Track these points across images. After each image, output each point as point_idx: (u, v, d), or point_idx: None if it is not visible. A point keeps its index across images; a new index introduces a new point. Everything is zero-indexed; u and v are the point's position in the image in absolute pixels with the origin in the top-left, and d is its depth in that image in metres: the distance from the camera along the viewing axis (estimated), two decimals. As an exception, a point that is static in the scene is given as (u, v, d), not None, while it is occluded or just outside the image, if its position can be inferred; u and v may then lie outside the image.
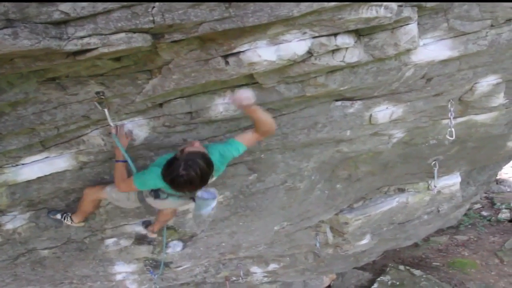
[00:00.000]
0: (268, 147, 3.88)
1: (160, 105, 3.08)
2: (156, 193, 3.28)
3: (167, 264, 5.07)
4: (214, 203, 3.28)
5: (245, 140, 3.07)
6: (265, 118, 2.94)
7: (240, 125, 3.45)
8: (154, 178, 2.99)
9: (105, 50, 2.24)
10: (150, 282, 5.39)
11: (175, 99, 3.05)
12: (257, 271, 6.59)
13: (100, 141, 3.19)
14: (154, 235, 4.39)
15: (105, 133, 3.14)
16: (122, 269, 4.96)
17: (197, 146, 2.92)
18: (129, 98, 2.86)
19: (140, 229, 4.39)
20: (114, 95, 2.78)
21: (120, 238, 4.43)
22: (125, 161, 3.16)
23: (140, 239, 4.53)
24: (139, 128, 3.18)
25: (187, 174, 2.71)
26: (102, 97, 2.73)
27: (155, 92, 2.83)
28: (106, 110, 2.84)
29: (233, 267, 6.16)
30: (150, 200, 3.37)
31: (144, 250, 4.68)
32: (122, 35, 2.23)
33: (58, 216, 3.87)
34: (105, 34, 2.19)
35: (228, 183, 4.19)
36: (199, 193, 3.15)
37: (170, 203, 3.43)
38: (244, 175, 4.18)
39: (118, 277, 5.09)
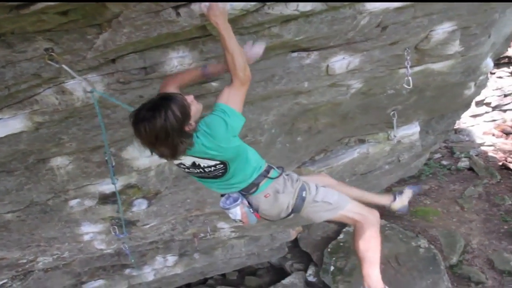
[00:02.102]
0: (226, 101, 3.87)
1: (113, 61, 3.00)
2: None
3: (133, 223, 5.07)
4: (232, 215, 3.05)
5: (223, 98, 2.64)
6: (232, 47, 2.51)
7: (197, 80, 3.39)
8: None
9: (51, 2, 2.15)
10: (118, 242, 5.39)
11: (127, 54, 2.98)
12: (224, 227, 6.66)
13: (54, 100, 3.11)
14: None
15: (58, 91, 3.06)
16: (89, 230, 4.95)
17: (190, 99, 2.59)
18: (80, 54, 2.77)
19: (104, 189, 4.35)
20: (64, 51, 2.69)
21: (84, 198, 4.40)
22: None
23: (104, 199, 4.51)
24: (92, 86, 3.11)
25: (142, 118, 2.41)
26: (51, 53, 2.64)
27: (106, 47, 2.75)
28: (64, 66, 2.71)
29: (200, 224, 6.21)
30: None
31: (109, 210, 4.67)
32: (68, -14, 2.15)
33: None
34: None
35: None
36: (222, 199, 3.03)
37: None
38: (204, 132, 4.18)
39: (86, 237, 5.07)
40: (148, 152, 3.52)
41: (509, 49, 12.80)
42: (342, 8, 3.14)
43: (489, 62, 5.59)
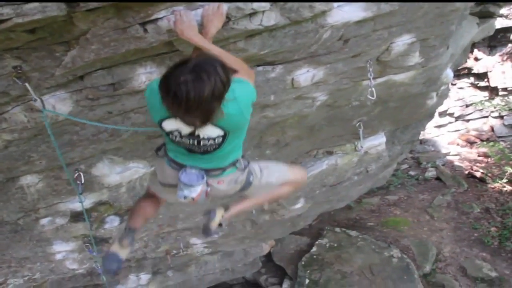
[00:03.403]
0: (194, 116, 3.92)
1: (81, 77, 3.03)
2: (158, 147, 2.97)
3: (106, 240, 5.05)
4: (188, 192, 2.77)
5: (237, 75, 2.49)
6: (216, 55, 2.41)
7: (165, 95, 3.45)
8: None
9: (20, 20, 2.19)
10: (90, 261, 5.35)
11: (96, 70, 3.01)
12: (197, 242, 6.67)
13: (23, 117, 3.12)
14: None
15: (27, 109, 3.08)
16: (61, 248, 4.91)
17: None
18: (48, 71, 2.80)
19: (75, 207, 4.34)
20: (32, 69, 2.72)
21: (55, 216, 4.37)
22: None
23: (76, 217, 4.49)
24: (61, 103, 3.13)
25: (184, 81, 2.06)
26: (19, 71, 2.66)
27: (74, 64, 2.78)
28: (27, 84, 2.75)
29: (172, 240, 6.20)
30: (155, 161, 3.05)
31: (81, 227, 4.65)
32: (36, 4, 2.18)
33: None
34: (18, 4, 2.14)
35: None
36: (183, 171, 2.75)
37: (161, 168, 2.98)
38: (174, 146, 4.22)
39: (58, 256, 5.03)
40: (118, 168, 3.56)
41: (468, 60, 13.25)
42: (304, 22, 3.25)
43: (449, 73, 5.80)
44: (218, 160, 2.77)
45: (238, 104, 2.40)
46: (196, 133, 2.46)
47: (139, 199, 3.68)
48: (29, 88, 2.78)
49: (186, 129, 2.45)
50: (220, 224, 3.33)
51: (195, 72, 2.08)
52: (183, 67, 2.11)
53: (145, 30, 2.68)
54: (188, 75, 2.08)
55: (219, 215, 3.34)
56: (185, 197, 2.81)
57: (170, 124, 2.46)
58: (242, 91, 2.44)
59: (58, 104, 3.13)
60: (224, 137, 2.53)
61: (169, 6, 2.59)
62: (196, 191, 2.78)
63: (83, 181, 3.86)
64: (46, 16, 2.25)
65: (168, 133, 2.55)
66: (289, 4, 3.01)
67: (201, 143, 2.54)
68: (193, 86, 2.07)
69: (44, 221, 4.36)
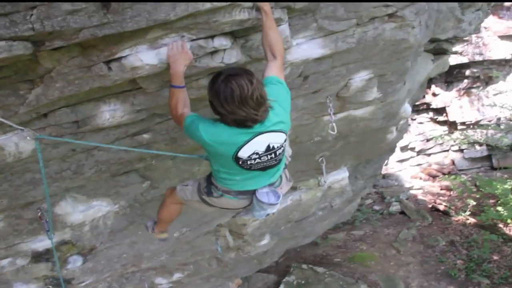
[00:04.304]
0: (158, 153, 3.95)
1: (45, 115, 3.05)
2: (208, 189, 3.12)
3: (68, 281, 4.92)
4: (271, 210, 3.05)
5: (273, 71, 2.87)
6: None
7: (129, 132, 3.50)
8: (206, 120, 2.71)
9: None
10: (52, 304, 5.20)
11: (59, 108, 3.04)
12: (162, 282, 6.55)
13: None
14: (165, 235, 4.12)
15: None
16: (22, 290, 4.76)
17: None
18: (12, 109, 2.81)
19: (36, 247, 4.24)
20: (-5, 107, 2.74)
21: (16, 257, 4.25)
22: (183, 87, 2.83)
23: (37, 257, 4.38)
24: (24, 141, 3.11)
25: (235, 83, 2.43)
26: (-18, 109, 2.67)
27: (38, 102, 2.81)
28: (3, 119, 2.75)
29: (137, 281, 6.08)
30: (206, 199, 3.20)
31: (42, 268, 4.52)
32: (3, 43, 2.23)
33: (149, 224, 3.95)
34: (-15, 43, 2.19)
35: (121, 192, 4.20)
36: (259, 193, 2.97)
37: (225, 203, 3.14)
38: (137, 183, 4.22)
39: (19, 299, 4.86)
40: (81, 206, 3.54)
41: (426, 95, 13.73)
42: (264, 60, 3.36)
43: (407, 108, 6.01)
44: (280, 167, 3.02)
45: (281, 105, 2.73)
46: (271, 146, 2.72)
47: (165, 205, 3.79)
48: (8, 122, 2.78)
49: (262, 147, 2.71)
50: None
51: (229, 70, 2.53)
52: (215, 77, 2.52)
53: (109, 68, 2.74)
54: (228, 72, 2.49)
55: None
56: (267, 215, 3.12)
57: (247, 150, 2.69)
58: (284, 96, 2.81)
59: (21, 142, 3.11)
60: (285, 140, 2.84)
61: (133, 45, 2.67)
62: (277, 206, 3.06)
63: (47, 219, 3.81)
64: (12, 55, 2.29)
65: (244, 162, 2.75)
66: (250, 42, 3.14)
67: (277, 152, 2.79)
68: (239, 78, 2.44)
69: (4, 262, 4.24)
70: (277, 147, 2.78)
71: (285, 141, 2.84)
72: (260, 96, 2.48)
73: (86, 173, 3.77)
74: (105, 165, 3.76)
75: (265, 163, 2.82)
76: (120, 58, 2.71)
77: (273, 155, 2.79)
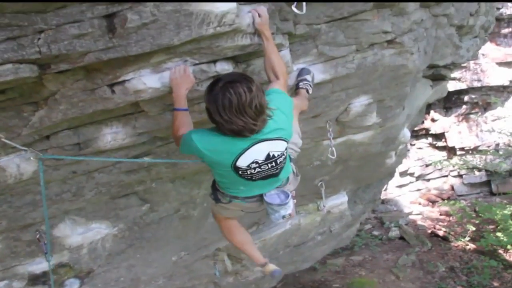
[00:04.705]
0: (158, 176, 3.96)
1: (47, 137, 3.07)
2: (215, 196, 3.12)
3: (64, 305, 4.88)
4: (284, 211, 2.99)
5: (275, 86, 2.86)
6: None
7: (130, 154, 3.51)
8: (201, 129, 2.68)
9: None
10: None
11: (62, 130, 3.06)
12: (160, 307, 6.49)
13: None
14: (271, 268, 3.74)
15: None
16: (17, 314, 4.70)
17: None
18: (15, 131, 2.83)
19: (34, 269, 4.21)
20: (-2, 128, 2.76)
21: (12, 280, 4.19)
22: (186, 110, 2.84)
23: (34, 280, 4.33)
24: (26, 162, 3.13)
25: (233, 91, 2.34)
26: (-15, 131, 2.69)
27: (42, 124, 2.83)
28: (3, 138, 2.76)
29: (133, 306, 6.04)
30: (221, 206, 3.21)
31: (39, 292, 4.49)
32: (9, 66, 2.27)
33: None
34: (-8, 66, 2.23)
35: (121, 215, 4.19)
36: (267, 196, 2.95)
37: (238, 206, 3.13)
38: (137, 206, 4.21)
39: (14, 323, 4.80)
40: (80, 229, 3.52)
41: (425, 121, 13.80)
42: (265, 84, 3.35)
43: (406, 132, 6.05)
44: (284, 172, 2.95)
45: (283, 112, 2.66)
46: (271, 154, 2.67)
47: (221, 229, 3.76)
48: (8, 142, 2.79)
49: (261, 155, 2.66)
50: None
51: (230, 77, 2.46)
52: (215, 81, 2.45)
53: (113, 91, 2.78)
54: (227, 79, 2.43)
55: None
56: (283, 217, 3.04)
57: (246, 158, 2.63)
58: (285, 103, 2.75)
59: (23, 163, 3.12)
60: (286, 148, 2.79)
61: (137, 68, 2.71)
62: (290, 206, 3.02)
63: (46, 241, 3.79)
64: (18, 77, 2.33)
65: (244, 171, 2.71)
66: (251, 67, 3.19)
67: (278, 161, 2.74)
68: (238, 85, 2.36)
69: (0, 284, 4.21)
70: (278, 155, 2.72)
71: (286, 149, 2.79)
72: (259, 104, 2.40)
73: (86, 195, 3.77)
74: (105, 187, 3.77)
75: (266, 172, 2.77)
76: (124, 81, 2.75)
77: (273, 164, 2.74)
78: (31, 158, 3.11)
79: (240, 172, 2.71)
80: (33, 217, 3.70)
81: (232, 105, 2.35)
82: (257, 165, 2.69)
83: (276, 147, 2.69)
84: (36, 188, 3.43)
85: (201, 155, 2.66)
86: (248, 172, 2.72)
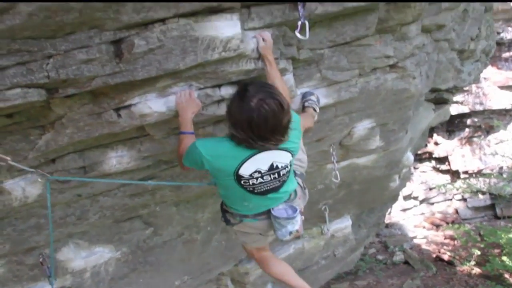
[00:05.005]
0: (163, 199, 3.97)
1: (53, 160, 3.09)
2: (225, 218, 3.10)
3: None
4: (291, 226, 2.95)
5: None
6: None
7: (134, 178, 3.53)
8: (211, 140, 2.69)
9: (1, 105, 2.30)
10: None
11: (67, 154, 3.08)
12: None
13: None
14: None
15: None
16: None
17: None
18: (22, 154, 2.85)
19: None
20: (5, 152, 2.75)
21: (15, 304, 4.19)
22: (192, 133, 2.84)
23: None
24: (31, 185, 3.14)
25: (264, 104, 2.33)
26: (-5, 154, 2.71)
27: (48, 148, 2.86)
28: (12, 162, 2.74)
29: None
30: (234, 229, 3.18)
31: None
32: (18, 90, 2.31)
33: None
34: (1, 90, 2.26)
35: (124, 238, 4.19)
36: (275, 210, 2.91)
37: (249, 226, 3.11)
38: (141, 229, 4.21)
39: None
40: (83, 252, 3.50)
41: (428, 144, 13.80)
42: (269, 108, 3.44)
43: (409, 156, 6.07)
44: (288, 185, 2.92)
45: (294, 130, 2.64)
46: (275, 165, 2.66)
47: (258, 263, 3.67)
48: (16, 165, 2.77)
49: (265, 165, 2.65)
50: None
51: (263, 92, 2.38)
52: (247, 93, 2.39)
53: (119, 115, 2.82)
54: (260, 95, 2.36)
55: None
56: (290, 233, 2.99)
57: (249, 167, 2.63)
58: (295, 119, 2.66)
59: (28, 186, 3.14)
60: (291, 161, 2.77)
61: (143, 93, 2.75)
62: (298, 221, 2.99)
63: (49, 265, 3.78)
64: (27, 102, 2.37)
65: (246, 181, 2.68)
66: (256, 92, 3.21)
67: (281, 173, 2.73)
68: (273, 103, 2.34)
69: (3, 309, 4.19)
70: (281, 166, 2.72)
71: (290, 162, 2.79)
72: (288, 121, 2.45)
73: (90, 219, 3.77)
74: (109, 210, 3.77)
75: (268, 184, 2.76)
76: (130, 105, 2.79)
77: (276, 175, 2.73)
78: (39, 179, 3.13)
79: (242, 182, 2.70)
80: (37, 240, 3.70)
81: (267, 124, 2.37)
82: (259, 174, 2.67)
83: (280, 158, 2.69)
84: (40, 211, 3.44)
85: (204, 161, 2.62)
86: (250, 183, 2.70)
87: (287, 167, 2.78)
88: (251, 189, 2.75)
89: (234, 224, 3.14)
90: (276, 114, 2.36)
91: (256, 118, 2.35)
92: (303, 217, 3.17)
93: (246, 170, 2.64)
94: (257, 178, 2.69)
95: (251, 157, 2.58)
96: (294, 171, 3.15)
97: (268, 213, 3.00)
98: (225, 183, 2.80)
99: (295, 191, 3.11)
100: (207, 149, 2.61)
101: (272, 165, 2.68)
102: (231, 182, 2.71)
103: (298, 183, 3.22)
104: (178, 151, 2.88)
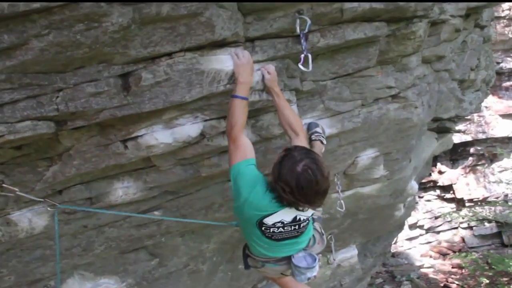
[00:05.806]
0: (168, 230, 3.97)
1: (60, 192, 3.11)
2: (246, 263, 3.17)
3: None
4: (310, 273, 3.00)
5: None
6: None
7: (140, 208, 3.55)
8: (253, 178, 2.67)
9: (11, 137, 2.35)
10: None
11: (74, 185, 3.11)
12: None
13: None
14: None
15: (3, 223, 3.11)
16: None
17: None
18: (29, 186, 2.88)
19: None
20: (13, 183, 2.79)
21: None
22: (246, 99, 2.73)
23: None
24: (38, 216, 3.16)
25: (313, 165, 2.38)
26: (2, 186, 2.74)
27: (55, 179, 2.89)
28: (17, 192, 2.77)
29: None
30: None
31: None
32: (28, 122, 2.37)
33: None
34: (11, 123, 2.32)
35: (130, 270, 4.17)
36: (295, 258, 2.96)
37: (270, 270, 3.15)
38: (146, 260, 4.19)
39: None
40: (88, 284, 3.49)
41: (432, 173, 13.79)
42: (273, 139, 3.49)
43: (414, 185, 6.07)
44: (304, 235, 2.95)
45: None
46: (298, 217, 2.70)
47: None
48: (22, 194, 2.80)
49: (289, 217, 2.68)
50: None
51: (309, 158, 2.43)
52: (293, 158, 2.42)
53: (126, 147, 2.86)
54: (306, 161, 2.40)
55: None
56: (309, 279, 3.06)
57: (274, 217, 2.65)
58: None
59: (35, 218, 3.15)
60: (312, 214, 2.83)
61: (149, 124, 2.80)
62: (316, 269, 3.03)
63: (58, 292, 3.77)
64: (36, 134, 2.42)
65: (267, 228, 2.71)
66: (260, 122, 3.28)
67: (301, 225, 2.77)
68: (316, 169, 2.39)
69: None
70: (303, 219, 2.76)
71: (312, 215, 2.85)
72: (326, 189, 2.48)
73: (95, 250, 3.77)
74: (115, 242, 3.78)
75: (286, 234, 2.78)
76: (137, 137, 2.84)
77: (296, 227, 2.77)
78: (48, 208, 3.14)
79: (263, 228, 2.72)
80: (42, 272, 3.69)
81: (311, 188, 2.40)
82: (281, 225, 2.71)
83: (304, 212, 2.72)
84: (46, 243, 3.45)
85: (237, 199, 2.67)
86: (271, 230, 2.72)
87: (308, 220, 2.83)
88: (269, 235, 2.78)
89: (257, 267, 3.18)
90: (319, 182, 2.40)
91: (302, 182, 2.38)
92: (320, 262, 3.20)
93: (271, 220, 2.67)
94: (278, 227, 2.72)
95: (279, 210, 2.61)
96: (312, 217, 3.16)
97: (288, 259, 3.03)
98: (244, 224, 2.84)
99: (314, 236, 3.16)
100: (248, 192, 2.62)
101: (295, 217, 2.72)
102: (251, 225, 2.74)
103: (315, 228, 3.27)
104: (228, 118, 2.75)
